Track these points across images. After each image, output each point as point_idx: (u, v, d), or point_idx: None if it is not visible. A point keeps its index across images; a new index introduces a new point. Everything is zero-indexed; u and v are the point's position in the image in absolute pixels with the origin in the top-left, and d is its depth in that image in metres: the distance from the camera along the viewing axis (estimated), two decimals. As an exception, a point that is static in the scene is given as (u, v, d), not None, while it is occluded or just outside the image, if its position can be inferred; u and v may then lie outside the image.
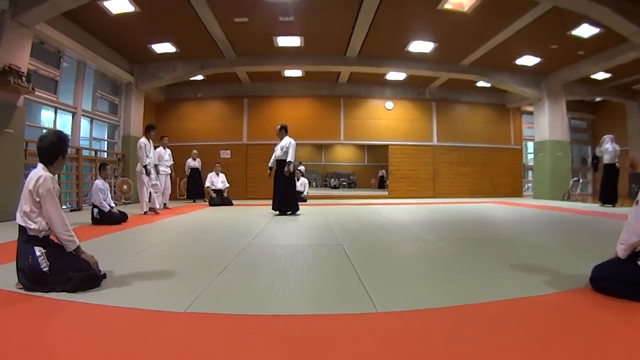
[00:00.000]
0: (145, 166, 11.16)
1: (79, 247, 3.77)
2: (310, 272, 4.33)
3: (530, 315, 2.92)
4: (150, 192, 11.43)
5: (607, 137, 13.84)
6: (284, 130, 11.28)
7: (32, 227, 3.57)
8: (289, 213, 11.09)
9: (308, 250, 5.71)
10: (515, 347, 2.38)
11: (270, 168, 11.50)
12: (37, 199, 3.57)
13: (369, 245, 6.35)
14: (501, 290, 3.51)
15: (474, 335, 2.55)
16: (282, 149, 11.02)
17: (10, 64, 9.46)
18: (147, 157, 11.21)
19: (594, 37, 13.27)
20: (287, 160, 10.82)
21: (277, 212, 11.13)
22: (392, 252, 5.84)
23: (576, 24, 12.47)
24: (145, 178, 11.23)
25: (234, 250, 5.47)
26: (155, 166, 11.85)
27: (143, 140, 11.29)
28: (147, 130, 11.59)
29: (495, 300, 3.22)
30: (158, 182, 11.86)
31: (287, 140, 11.03)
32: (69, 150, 4.27)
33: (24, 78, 9.79)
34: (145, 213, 11.10)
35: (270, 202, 11.20)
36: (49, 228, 3.64)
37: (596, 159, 14.64)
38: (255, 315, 2.95)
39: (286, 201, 11.10)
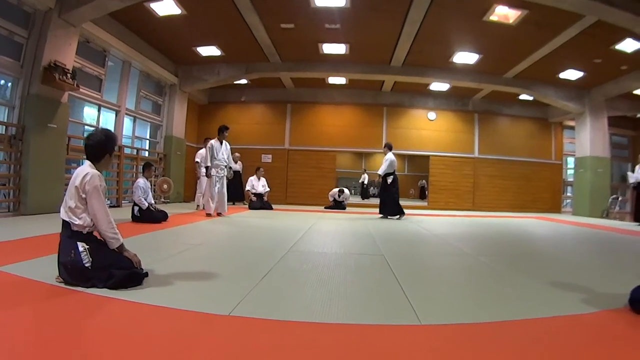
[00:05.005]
0: (207, 167, 11.12)
1: (122, 244, 3.79)
2: (353, 281, 4.28)
3: (569, 334, 2.86)
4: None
5: None
6: (387, 148, 13.01)
7: (76, 222, 3.59)
8: (389, 217, 12.88)
9: (350, 258, 5.63)
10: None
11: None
12: (83, 196, 3.61)
13: (410, 256, 6.25)
14: (541, 307, 3.44)
15: (515, 353, 2.51)
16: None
17: (55, 61, 9.70)
18: (215, 158, 11.16)
19: (637, 52, 12.98)
20: (378, 172, 12.98)
21: (381, 216, 12.97)
22: (434, 264, 5.74)
23: (620, 39, 12.21)
24: (207, 180, 11.22)
25: (275, 256, 5.42)
26: (226, 167, 11.57)
27: (213, 141, 11.29)
28: (220, 132, 11.45)
29: (534, 318, 3.16)
30: (218, 186, 11.47)
31: (386, 156, 12.81)
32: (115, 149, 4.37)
33: (69, 75, 10.01)
34: (209, 215, 11.13)
35: (311, 207, 11.78)
36: (93, 224, 3.66)
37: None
38: (299, 322, 2.91)
39: (385, 207, 12.99)
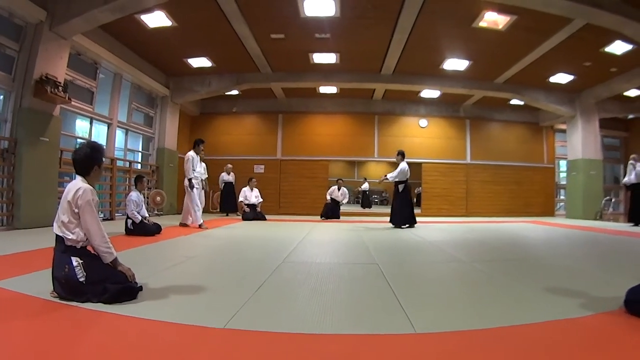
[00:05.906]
0: (190, 179, 11.03)
1: (116, 258, 3.76)
2: (347, 291, 4.27)
3: (565, 339, 2.86)
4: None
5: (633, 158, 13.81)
6: (400, 156, 12.65)
7: (69, 237, 3.58)
8: (404, 226, 12.44)
9: (344, 268, 5.62)
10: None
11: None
12: (76, 210, 3.59)
13: (404, 264, 6.23)
14: (536, 312, 3.44)
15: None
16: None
17: (47, 74, 9.72)
18: (193, 170, 11.11)
19: (627, 54, 13.10)
20: (389, 176, 12.65)
21: (393, 226, 12.51)
22: (428, 272, 5.70)
23: (609, 41, 12.32)
24: (193, 191, 11.10)
25: (269, 267, 5.39)
26: (202, 180, 11.63)
27: (191, 153, 11.19)
28: (196, 145, 11.41)
29: (531, 323, 3.15)
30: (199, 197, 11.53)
31: (400, 165, 12.47)
32: (104, 160, 4.32)
33: (60, 88, 10.04)
34: (200, 226, 11.01)
35: (304, 217, 11.71)
36: (87, 239, 3.65)
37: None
38: (294, 333, 2.90)
39: (398, 215, 12.58)
